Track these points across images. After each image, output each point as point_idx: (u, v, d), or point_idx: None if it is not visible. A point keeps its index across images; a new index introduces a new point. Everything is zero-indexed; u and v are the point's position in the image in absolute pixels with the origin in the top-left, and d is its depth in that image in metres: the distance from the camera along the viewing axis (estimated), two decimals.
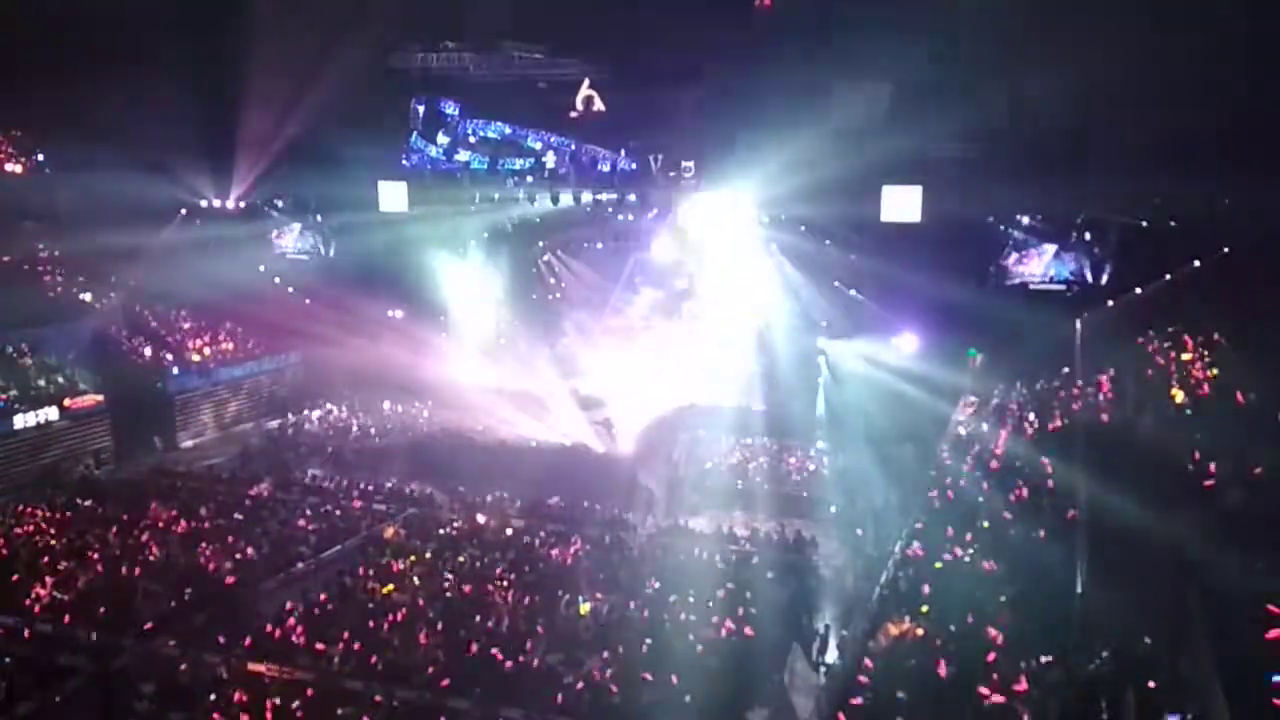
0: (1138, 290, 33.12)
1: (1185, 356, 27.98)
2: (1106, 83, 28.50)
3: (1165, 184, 30.65)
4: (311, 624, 21.25)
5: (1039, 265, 35.61)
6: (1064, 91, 28.93)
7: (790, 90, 33.90)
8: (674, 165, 38.03)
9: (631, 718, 17.71)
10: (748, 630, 20.32)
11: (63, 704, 18.49)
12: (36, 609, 22.41)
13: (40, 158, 45.48)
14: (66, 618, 21.82)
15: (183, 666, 19.47)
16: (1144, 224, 32.34)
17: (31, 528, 27.37)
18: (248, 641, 20.50)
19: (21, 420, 33.14)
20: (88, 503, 29.80)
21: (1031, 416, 29.13)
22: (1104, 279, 34.55)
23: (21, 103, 41.45)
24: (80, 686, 19.22)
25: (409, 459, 34.40)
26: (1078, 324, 33.42)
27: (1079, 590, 16.07)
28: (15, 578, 23.82)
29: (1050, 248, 35.54)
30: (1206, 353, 27.82)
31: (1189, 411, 23.56)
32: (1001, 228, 35.84)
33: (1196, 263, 31.77)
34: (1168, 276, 32.30)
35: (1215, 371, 25.91)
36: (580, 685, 18.49)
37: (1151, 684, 12.91)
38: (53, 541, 26.18)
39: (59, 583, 23.40)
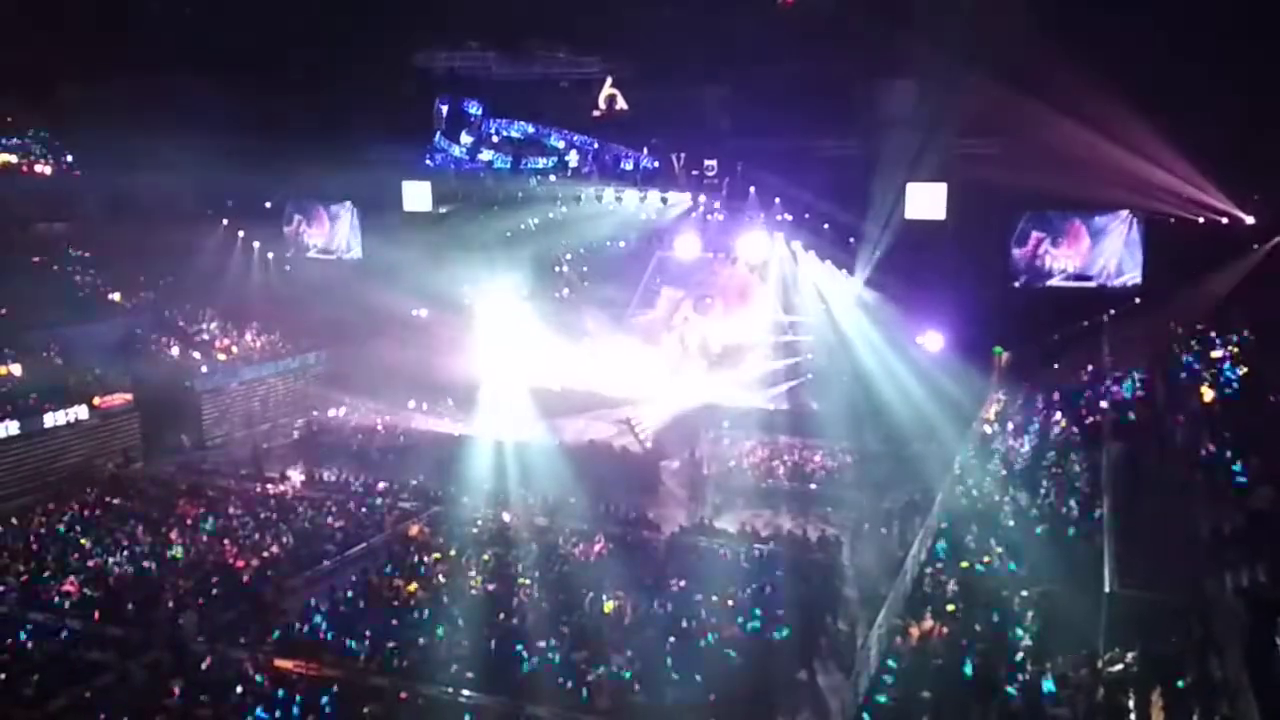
0: (1167, 287, 32.75)
1: (1215, 354, 27.69)
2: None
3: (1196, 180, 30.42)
4: (337, 621, 21.42)
5: (1076, 257, 34.50)
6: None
7: (813, 87, 33.74)
8: (696, 163, 37.96)
9: (655, 716, 17.72)
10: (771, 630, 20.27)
11: (92, 700, 18.61)
12: (66, 605, 22.71)
13: (70, 159, 46.01)
14: (96, 614, 22.11)
15: (210, 662, 19.67)
16: (1172, 220, 31.90)
17: (62, 525, 27.75)
18: (274, 638, 20.72)
19: (52, 418, 33.51)
20: (117, 500, 30.18)
21: (1058, 415, 28.93)
22: (1135, 275, 33.95)
23: (52, 104, 42.00)
24: (110, 683, 19.40)
25: (434, 457, 34.52)
26: (1105, 321, 33.15)
27: (1106, 590, 15.90)
28: (46, 574, 24.18)
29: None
30: (1236, 350, 27.52)
31: (1218, 410, 23.32)
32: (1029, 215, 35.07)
33: (1225, 261, 31.43)
34: (1195, 274, 31.94)
35: (1245, 369, 25.65)
36: (604, 683, 18.51)
37: (1180, 684, 12.78)
38: (82, 539, 26.52)
39: (89, 579, 23.71)
